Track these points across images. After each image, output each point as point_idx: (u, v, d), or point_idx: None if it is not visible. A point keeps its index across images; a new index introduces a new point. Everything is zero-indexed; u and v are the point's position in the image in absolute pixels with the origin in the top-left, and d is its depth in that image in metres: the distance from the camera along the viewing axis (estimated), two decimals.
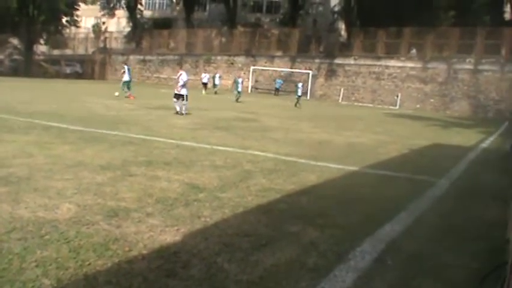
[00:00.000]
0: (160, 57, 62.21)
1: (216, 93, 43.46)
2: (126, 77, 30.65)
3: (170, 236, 5.57)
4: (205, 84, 44.24)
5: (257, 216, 6.61)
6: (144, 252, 5.06)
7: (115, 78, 59.64)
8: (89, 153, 10.35)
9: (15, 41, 63.65)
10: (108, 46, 69.44)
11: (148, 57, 62.62)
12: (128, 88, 30.36)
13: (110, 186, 7.52)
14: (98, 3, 67.70)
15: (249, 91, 52.83)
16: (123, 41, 69.36)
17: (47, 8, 58.65)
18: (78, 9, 66.66)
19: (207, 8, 72.01)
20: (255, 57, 55.93)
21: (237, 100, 34.09)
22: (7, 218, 5.73)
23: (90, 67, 65.24)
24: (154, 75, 61.88)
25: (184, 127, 16.74)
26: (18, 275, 4.28)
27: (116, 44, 69.57)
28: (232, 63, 57.31)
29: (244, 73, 54.66)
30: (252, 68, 54.80)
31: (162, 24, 67.79)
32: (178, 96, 21.40)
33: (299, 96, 35.97)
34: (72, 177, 7.96)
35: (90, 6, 67.15)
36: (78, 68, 63.58)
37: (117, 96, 29.09)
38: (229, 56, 57.73)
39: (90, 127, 14.51)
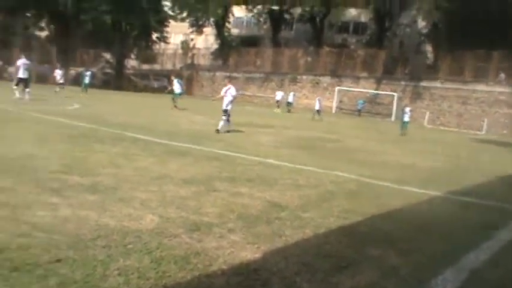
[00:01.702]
0: (246, 75, 62.76)
1: (289, 111, 43.23)
2: (177, 89, 32.18)
3: (250, 253, 5.55)
4: (278, 102, 44.38)
5: (338, 238, 6.50)
6: (224, 267, 5.06)
7: (201, 94, 60.70)
8: (174, 166, 10.52)
9: (107, 55, 66.06)
10: (195, 62, 70.72)
11: (234, 75, 63.24)
12: (174, 100, 31.80)
13: (193, 200, 7.60)
14: (187, 20, 69.00)
15: (333, 111, 52.52)
16: (210, 58, 70.51)
17: (139, 24, 60.48)
18: (168, 26, 68.32)
19: (294, 27, 72.24)
20: (340, 78, 55.63)
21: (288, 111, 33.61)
22: (93, 225, 5.89)
23: None
24: (240, 92, 62.54)
25: (267, 144, 16.81)
26: (101, 282, 4.38)
27: (203, 61, 70.76)
28: (317, 83, 57.20)
29: (329, 93, 54.47)
30: (337, 88, 54.51)
31: (249, 42, 68.48)
32: (224, 112, 19.70)
33: (405, 122, 31.22)
34: (157, 189, 8.10)
35: (180, 23, 68.49)
36: (165, 83, 65.10)
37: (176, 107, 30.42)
38: (315, 75, 57.66)
39: (175, 141, 14.78)
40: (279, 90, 49.48)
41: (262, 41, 68.99)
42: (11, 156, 9.84)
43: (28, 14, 61.53)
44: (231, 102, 19.70)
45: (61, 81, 36.45)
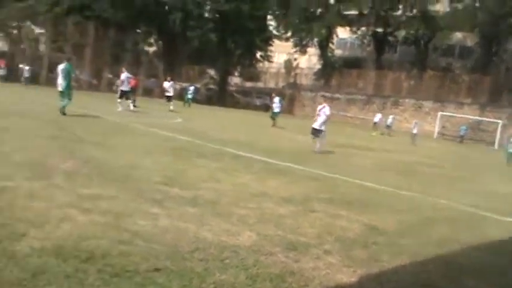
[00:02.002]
0: (347, 96, 62.32)
1: (388, 134, 42.30)
2: (276, 108, 32.81)
3: (346, 277, 5.46)
4: (376, 124, 43.70)
5: (436, 267, 6.30)
6: None
7: (303, 114, 60.73)
8: (273, 184, 10.53)
9: (212, 72, 67.49)
10: (297, 82, 70.96)
11: (336, 95, 62.94)
12: (273, 118, 32.13)
13: (291, 219, 7.56)
14: (291, 40, 69.41)
15: (435, 136, 51.23)
16: (313, 78, 70.45)
17: (244, 42, 61.41)
18: (272, 45, 69.00)
19: (398, 49, 71.20)
20: (443, 103, 54.19)
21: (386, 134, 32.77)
22: (192, 237, 5.96)
23: None
24: (341, 113, 62.09)
25: (366, 167, 16.58)
26: None
27: (305, 81, 70.87)
28: (419, 107, 55.97)
29: (431, 118, 53.19)
30: (439, 113, 53.16)
31: (352, 63, 68.00)
32: (317, 132, 19.08)
33: (510, 152, 27.85)
34: (255, 206, 8.12)
35: (284, 43, 68.94)
36: (267, 101, 65.70)
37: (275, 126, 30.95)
38: (417, 99, 56.49)
39: (275, 159, 14.80)
40: (379, 112, 48.73)
41: (365, 63, 68.33)
42: (116, 165, 10.18)
43: (138, 31, 63.84)
44: (325, 122, 19.11)
45: (168, 94, 36.93)
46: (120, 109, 26.47)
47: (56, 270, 4.47)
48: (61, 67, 20.08)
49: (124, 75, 27.31)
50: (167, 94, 36.95)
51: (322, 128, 18.99)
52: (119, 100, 27.17)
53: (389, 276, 5.72)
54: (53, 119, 17.92)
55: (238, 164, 12.86)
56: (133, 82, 31.14)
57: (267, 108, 51.54)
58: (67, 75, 20.09)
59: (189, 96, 44.04)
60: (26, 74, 45.33)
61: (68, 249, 5.01)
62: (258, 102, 65.65)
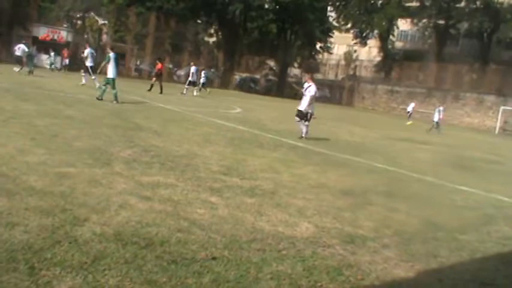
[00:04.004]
0: (408, 89, 61.39)
1: (438, 132, 40.58)
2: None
3: (404, 271, 5.36)
4: (409, 113, 42.75)
5: (496, 265, 6.13)
6: (376, 283, 4.93)
7: (362, 106, 60.32)
8: (331, 176, 10.44)
9: (271, 63, 67.61)
10: (357, 74, 70.39)
11: (396, 88, 62.14)
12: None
13: (349, 212, 7.47)
14: (351, 31, 68.90)
15: (496, 132, 49.92)
16: (373, 70, 69.79)
17: (304, 34, 61.33)
18: (332, 37, 68.72)
19: (460, 42, 69.66)
20: (506, 97, 52.66)
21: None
22: (249, 228, 5.96)
23: (338, 93, 66.60)
24: (401, 106, 61.16)
25: (425, 161, 16.27)
26: (253, 284, 4.40)
27: (365, 73, 70.25)
28: (480, 102, 54.63)
29: (492, 113, 51.90)
30: (501, 108, 51.72)
31: (413, 56, 66.92)
32: (302, 115, 16.66)
33: None
34: (313, 197, 8.07)
35: (344, 34, 68.58)
36: (326, 93, 65.36)
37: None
38: (479, 93, 55.11)
39: (333, 151, 14.71)
40: (411, 101, 47.61)
41: (426, 56, 67.15)
42: (175, 154, 10.29)
43: (199, 21, 64.41)
44: (311, 104, 16.74)
45: (192, 79, 36.34)
46: (83, 82, 27.64)
47: (116, 255, 4.53)
48: (113, 56, 20.42)
49: (87, 51, 27.58)
50: (190, 79, 36.59)
51: (308, 110, 16.67)
52: (83, 74, 28.15)
53: (448, 272, 5.59)
54: (114, 108, 18.24)
55: (297, 155, 12.83)
56: (159, 66, 33.01)
57: (326, 100, 51.15)
58: (116, 64, 20.85)
59: (202, 80, 40.22)
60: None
61: (128, 235, 5.07)
62: (317, 94, 65.32)
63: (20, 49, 34.63)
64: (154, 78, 32.19)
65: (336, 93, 66.65)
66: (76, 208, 5.69)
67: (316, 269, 4.98)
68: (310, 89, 16.79)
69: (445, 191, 11.04)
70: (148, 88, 30.89)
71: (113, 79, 20.09)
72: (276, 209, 6.98)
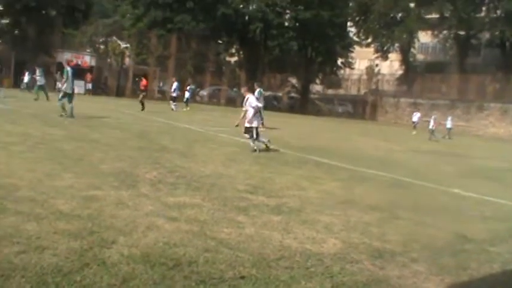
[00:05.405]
0: (430, 102, 60.89)
1: (449, 138, 39.60)
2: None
3: (434, 285, 5.31)
4: (414, 123, 42.41)
5: None
6: None
7: (385, 119, 60.05)
8: (357, 191, 10.42)
9: (293, 80, 67.74)
10: (379, 88, 70.12)
11: (418, 101, 61.67)
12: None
13: (376, 227, 7.43)
14: (372, 46, 68.74)
15: None
16: (395, 84, 69.46)
17: (324, 50, 61.26)
18: (352, 52, 68.60)
19: (481, 52, 69.10)
20: None
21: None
22: (277, 245, 5.94)
23: (361, 107, 66.37)
24: (424, 119, 60.84)
25: (451, 173, 16.08)
26: None
27: (387, 86, 69.93)
28: (505, 111, 54.00)
29: None
30: None
31: (434, 68, 66.54)
32: (248, 130, 15.82)
33: None
34: (340, 213, 8.03)
35: (365, 49, 68.37)
36: (349, 108, 65.20)
37: None
38: (503, 103, 54.49)
39: (358, 166, 14.61)
40: (416, 111, 47.05)
41: (447, 67, 66.69)
42: (201, 174, 10.33)
43: (220, 41, 64.73)
44: (255, 115, 15.76)
45: (173, 95, 36.24)
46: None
47: (144, 276, 4.54)
48: (70, 71, 20.44)
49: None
50: (172, 95, 36.48)
51: (253, 124, 15.71)
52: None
53: (479, 285, 5.55)
54: (139, 129, 18.40)
55: (322, 172, 12.79)
56: (144, 82, 33.62)
57: (349, 115, 50.90)
58: (73, 79, 20.66)
59: (186, 95, 39.99)
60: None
61: (155, 256, 5.09)
62: (340, 109, 65.28)
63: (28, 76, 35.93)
64: (141, 96, 31.85)
65: (358, 108, 66.44)
66: (103, 230, 5.73)
67: (344, 285, 4.96)
68: (250, 101, 16.04)
69: (473, 202, 10.91)
70: (141, 108, 30.38)
71: (70, 94, 19.98)
72: (303, 226, 6.96)
